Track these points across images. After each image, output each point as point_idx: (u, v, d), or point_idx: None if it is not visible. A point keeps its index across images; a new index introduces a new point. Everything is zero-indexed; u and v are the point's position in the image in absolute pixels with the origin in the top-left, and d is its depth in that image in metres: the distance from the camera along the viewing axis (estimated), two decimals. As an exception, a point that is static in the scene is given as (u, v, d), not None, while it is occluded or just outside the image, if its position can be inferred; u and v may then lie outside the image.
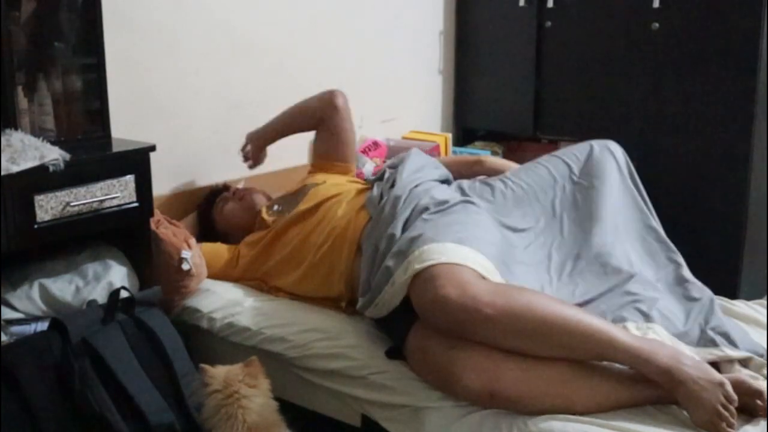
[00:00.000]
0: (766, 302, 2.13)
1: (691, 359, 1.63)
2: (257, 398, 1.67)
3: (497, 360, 1.63)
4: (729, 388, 1.56)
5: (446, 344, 1.66)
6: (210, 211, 2.48)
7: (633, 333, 1.73)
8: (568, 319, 1.63)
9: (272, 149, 2.81)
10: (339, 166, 2.49)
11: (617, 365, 1.66)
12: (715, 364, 1.73)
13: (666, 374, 1.58)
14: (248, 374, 1.68)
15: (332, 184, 2.33)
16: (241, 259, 2.28)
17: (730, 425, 1.53)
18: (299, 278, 2.14)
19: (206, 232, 2.45)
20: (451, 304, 1.62)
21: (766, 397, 1.61)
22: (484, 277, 1.72)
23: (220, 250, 2.34)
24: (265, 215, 2.36)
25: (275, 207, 2.36)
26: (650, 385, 1.63)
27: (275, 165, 2.80)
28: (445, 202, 2.00)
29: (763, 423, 1.58)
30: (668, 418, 1.61)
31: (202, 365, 1.70)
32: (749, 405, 1.61)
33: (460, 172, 2.40)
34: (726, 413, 1.53)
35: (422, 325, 1.73)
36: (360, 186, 2.32)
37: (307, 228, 2.19)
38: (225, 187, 2.54)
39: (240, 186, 2.61)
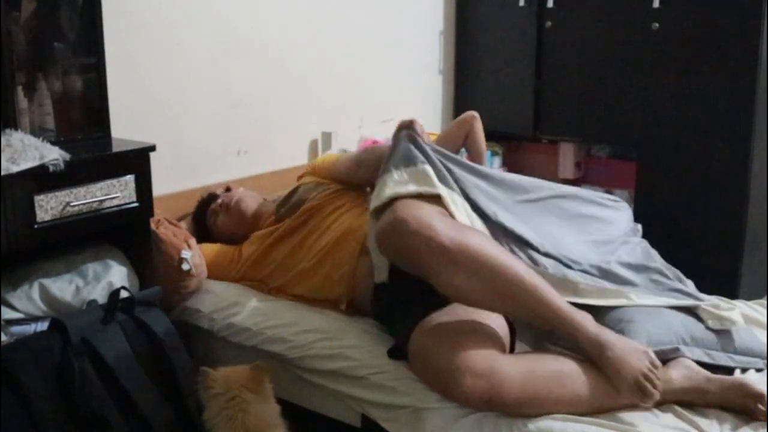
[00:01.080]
0: (766, 302, 2.13)
1: (615, 334, 1.70)
2: (258, 404, 1.67)
3: (496, 365, 1.63)
4: (653, 354, 1.64)
5: (447, 348, 1.66)
6: (204, 222, 2.45)
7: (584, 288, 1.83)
8: (516, 269, 1.69)
9: (271, 149, 2.81)
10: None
11: None
12: (712, 368, 1.73)
13: (594, 340, 1.66)
14: (252, 379, 1.68)
15: (335, 188, 2.32)
16: (242, 260, 2.28)
17: (656, 387, 1.60)
18: (298, 280, 2.14)
19: (203, 238, 2.43)
20: (407, 227, 1.65)
21: (766, 400, 1.61)
22: (451, 214, 1.78)
23: (220, 250, 2.33)
24: (271, 216, 2.35)
25: (281, 210, 2.34)
26: None
27: (274, 165, 2.80)
28: None
29: (763, 426, 1.58)
30: (669, 419, 1.61)
31: (203, 368, 1.70)
32: (750, 408, 1.61)
33: (455, 139, 2.37)
34: (652, 375, 1.60)
35: (423, 326, 1.74)
36: (361, 190, 2.31)
37: (308, 231, 2.18)
38: (211, 196, 2.49)
39: (238, 190, 2.58)
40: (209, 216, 2.42)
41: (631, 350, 1.65)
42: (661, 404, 1.65)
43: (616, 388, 1.62)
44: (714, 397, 1.66)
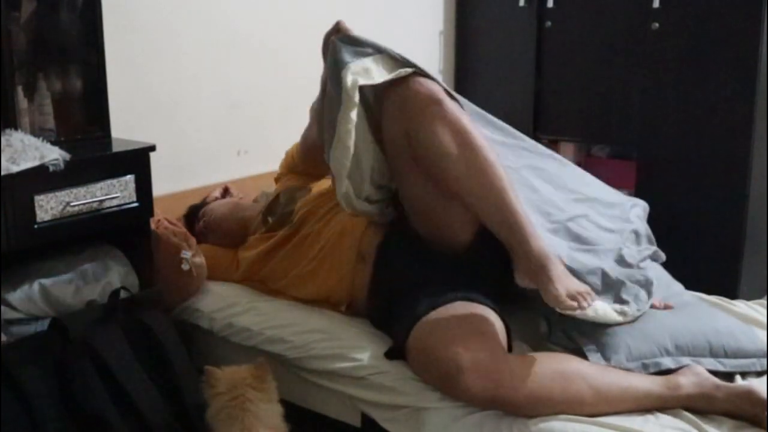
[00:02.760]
0: (766, 302, 2.13)
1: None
2: (262, 402, 1.67)
3: (500, 363, 1.63)
4: (590, 290, 1.70)
5: (450, 346, 1.66)
6: (198, 237, 2.43)
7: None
8: (501, 168, 1.76)
9: (271, 149, 2.81)
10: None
11: (622, 374, 1.69)
12: (714, 373, 1.73)
13: (543, 252, 1.69)
14: (256, 377, 1.68)
15: (319, 190, 2.28)
16: (240, 262, 2.27)
17: (588, 300, 1.66)
18: (297, 285, 2.13)
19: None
20: (420, 94, 1.78)
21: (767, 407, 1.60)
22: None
23: (219, 252, 2.33)
24: (260, 225, 2.32)
25: (268, 219, 2.32)
26: (655, 393, 1.65)
27: (275, 165, 2.80)
28: None
29: (762, 432, 1.59)
30: (671, 421, 1.61)
31: (207, 367, 1.70)
32: (754, 414, 1.60)
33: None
34: (584, 294, 1.66)
35: (423, 325, 1.74)
36: None
37: (301, 237, 2.17)
38: (192, 211, 2.48)
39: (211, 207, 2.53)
40: (200, 237, 2.41)
41: (572, 277, 1.71)
42: (668, 410, 1.64)
43: (544, 294, 1.66)
44: (721, 404, 1.64)
